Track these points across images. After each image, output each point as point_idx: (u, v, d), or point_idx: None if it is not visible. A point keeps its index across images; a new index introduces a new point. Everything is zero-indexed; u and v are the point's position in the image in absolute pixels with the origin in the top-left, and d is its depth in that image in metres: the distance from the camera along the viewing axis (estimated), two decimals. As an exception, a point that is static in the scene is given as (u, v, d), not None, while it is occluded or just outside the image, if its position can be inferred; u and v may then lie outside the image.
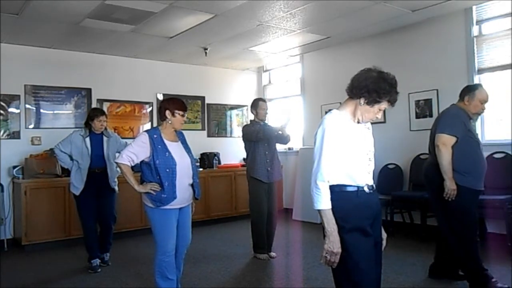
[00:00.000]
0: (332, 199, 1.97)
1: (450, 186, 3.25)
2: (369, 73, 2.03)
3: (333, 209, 1.97)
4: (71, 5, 4.36)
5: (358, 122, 2.08)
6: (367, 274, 2.00)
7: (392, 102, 2.04)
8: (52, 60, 5.98)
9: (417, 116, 5.45)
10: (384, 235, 2.18)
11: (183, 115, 3.12)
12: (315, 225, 6.12)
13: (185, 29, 5.31)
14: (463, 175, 3.27)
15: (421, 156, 5.32)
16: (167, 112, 3.10)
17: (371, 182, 2.09)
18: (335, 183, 2.00)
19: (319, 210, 1.98)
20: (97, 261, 4.35)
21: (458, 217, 3.31)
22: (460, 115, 3.36)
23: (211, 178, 6.63)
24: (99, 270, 4.28)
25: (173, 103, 3.13)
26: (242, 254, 4.79)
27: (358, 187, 2.02)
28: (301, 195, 6.69)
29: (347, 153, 2.00)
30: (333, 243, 1.96)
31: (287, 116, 4.55)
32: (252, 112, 4.79)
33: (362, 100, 2.02)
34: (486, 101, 3.40)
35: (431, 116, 5.30)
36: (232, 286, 3.78)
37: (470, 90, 3.43)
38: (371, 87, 1.99)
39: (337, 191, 1.99)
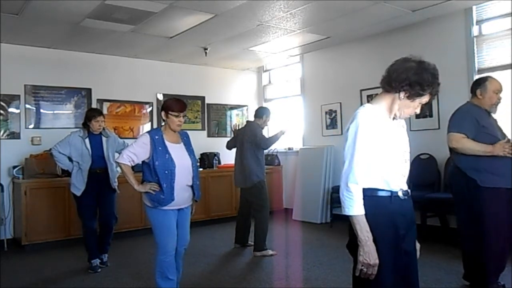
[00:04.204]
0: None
1: (500, 149, 3.00)
2: (408, 63, 1.83)
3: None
4: (71, 5, 4.36)
5: (394, 119, 1.89)
6: None
7: (434, 94, 1.85)
8: (52, 60, 5.98)
9: (417, 116, 5.44)
10: (417, 245, 2.00)
11: (177, 116, 3.07)
12: (315, 225, 6.12)
13: (185, 29, 5.31)
14: (482, 173, 3.07)
15: (421, 156, 5.32)
16: (163, 113, 3.11)
17: (405, 186, 1.89)
18: (366, 186, 1.79)
19: (350, 216, 1.77)
20: (97, 261, 4.34)
21: (478, 222, 3.09)
22: (472, 112, 3.20)
23: (211, 178, 6.63)
24: (99, 270, 4.28)
25: (169, 103, 3.12)
26: (242, 254, 4.79)
27: (391, 192, 1.82)
28: (301, 195, 6.69)
29: (381, 153, 1.80)
30: (369, 253, 1.73)
31: (282, 132, 4.76)
32: (260, 117, 4.90)
33: (402, 94, 1.82)
34: (500, 90, 3.24)
35: (431, 116, 5.30)
36: (232, 286, 3.78)
37: (480, 82, 3.28)
38: (413, 79, 1.78)
39: (368, 196, 1.78)
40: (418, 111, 1.89)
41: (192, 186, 3.15)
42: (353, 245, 1.82)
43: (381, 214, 1.79)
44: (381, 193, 1.82)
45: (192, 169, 3.14)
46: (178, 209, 3.12)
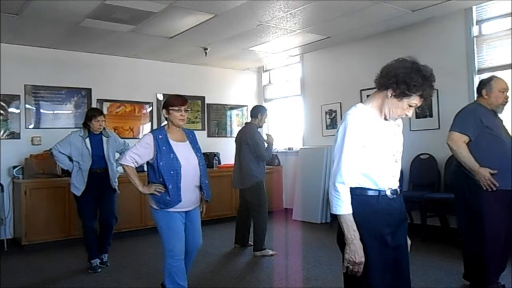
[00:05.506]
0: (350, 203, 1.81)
1: (481, 174, 3.01)
2: (402, 63, 1.83)
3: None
4: (71, 5, 4.36)
5: (385, 119, 1.89)
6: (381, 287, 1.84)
7: (425, 97, 1.82)
8: (52, 60, 5.98)
9: (417, 116, 5.44)
10: (408, 241, 2.01)
11: (178, 110, 2.99)
12: (315, 225, 6.12)
13: (185, 29, 5.31)
14: None
15: (421, 156, 5.32)
16: (164, 111, 3.04)
17: (395, 186, 1.90)
18: (354, 185, 1.83)
19: (337, 215, 1.81)
20: (97, 261, 4.34)
21: (479, 223, 3.09)
22: (477, 112, 3.19)
23: (211, 178, 6.48)
24: (99, 270, 4.28)
25: (169, 100, 3.05)
26: (242, 254, 4.79)
27: (379, 191, 1.85)
28: (301, 195, 6.69)
29: (370, 153, 1.83)
30: (355, 252, 1.77)
31: (270, 137, 4.84)
32: (256, 116, 4.86)
33: (389, 92, 1.83)
34: (506, 89, 3.23)
35: (431, 116, 5.30)
36: (232, 286, 3.78)
37: (485, 82, 3.27)
38: (401, 78, 1.78)
39: (357, 195, 1.83)
40: (409, 114, 1.87)
41: (200, 186, 3.07)
42: (342, 241, 1.85)
43: (368, 213, 1.82)
44: (369, 192, 1.85)
45: (199, 168, 3.04)
46: (186, 212, 3.02)
